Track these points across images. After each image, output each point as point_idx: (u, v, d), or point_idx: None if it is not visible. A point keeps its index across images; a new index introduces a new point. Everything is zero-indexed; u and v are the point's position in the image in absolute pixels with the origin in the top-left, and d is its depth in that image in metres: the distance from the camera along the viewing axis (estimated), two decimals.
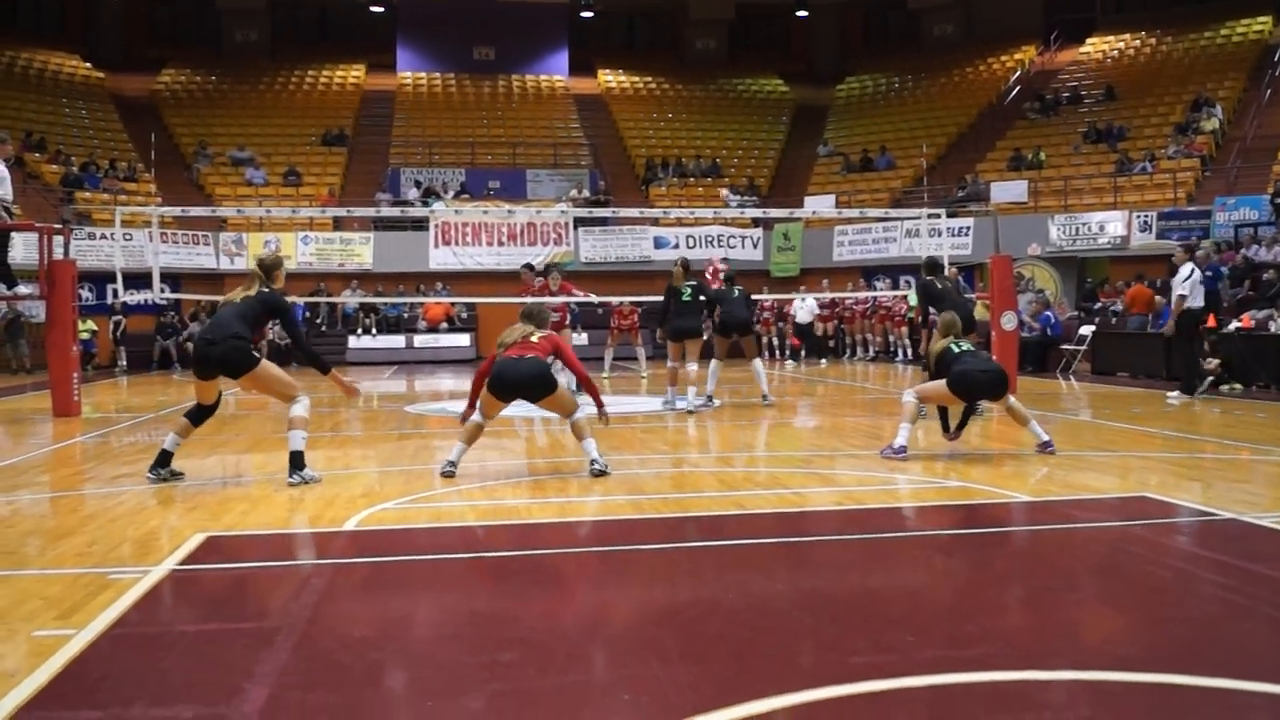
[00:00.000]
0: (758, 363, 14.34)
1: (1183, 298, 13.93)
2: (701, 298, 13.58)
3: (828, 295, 25.85)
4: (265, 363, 8.01)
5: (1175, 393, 14.19)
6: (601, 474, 8.08)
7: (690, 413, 12.91)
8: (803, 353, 26.20)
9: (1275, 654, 3.99)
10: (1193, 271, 14.09)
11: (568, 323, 15.36)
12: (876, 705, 3.50)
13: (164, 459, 8.07)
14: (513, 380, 8.15)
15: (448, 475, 8.11)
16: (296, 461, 7.84)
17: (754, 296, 21.81)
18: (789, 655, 4.03)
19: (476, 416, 8.33)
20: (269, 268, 8.17)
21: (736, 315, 14.03)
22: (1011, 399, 9.20)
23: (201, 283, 26.33)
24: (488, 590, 5.19)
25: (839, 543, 6.14)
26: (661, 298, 13.94)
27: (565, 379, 14.74)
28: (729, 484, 7.94)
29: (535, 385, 8.17)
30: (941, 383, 9.02)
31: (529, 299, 13.51)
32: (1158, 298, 19.23)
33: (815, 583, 5.20)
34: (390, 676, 3.88)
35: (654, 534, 6.30)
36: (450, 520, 6.75)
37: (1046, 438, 9.02)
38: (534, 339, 8.32)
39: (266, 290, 8.04)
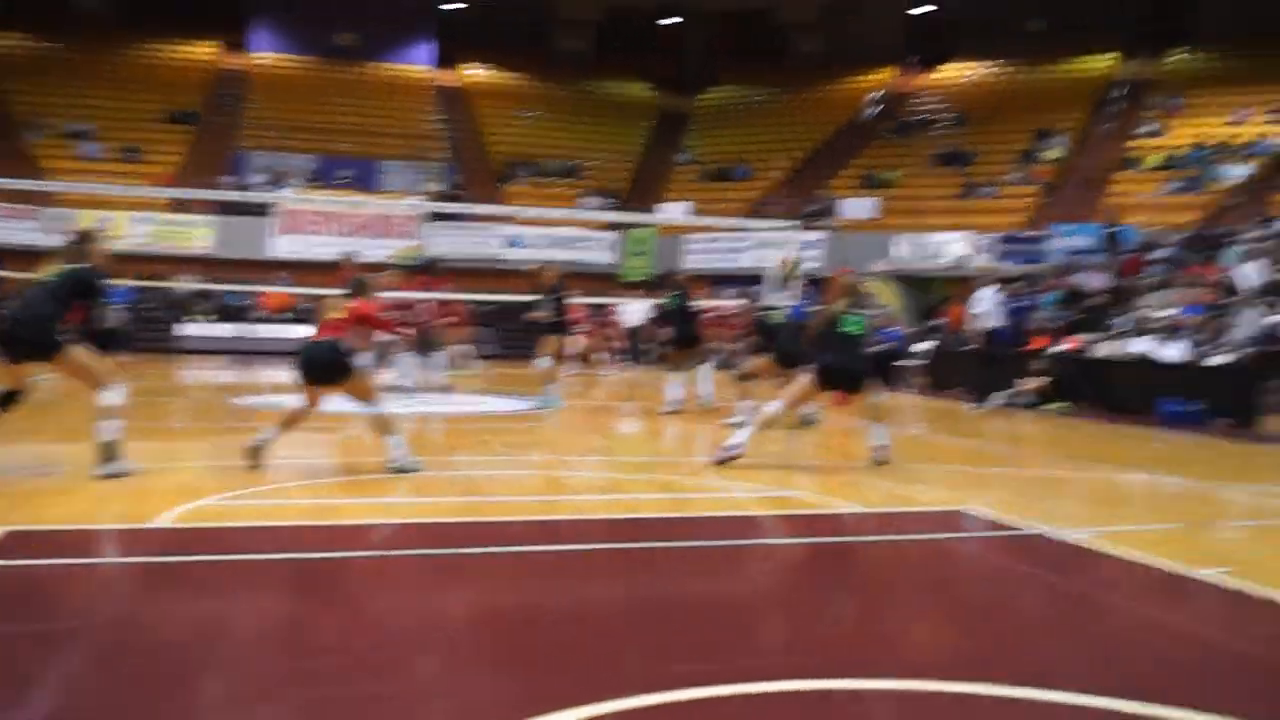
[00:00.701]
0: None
1: (975, 316, 14.81)
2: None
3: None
4: (75, 347, 7.54)
5: (979, 403, 14.94)
6: (402, 472, 7.84)
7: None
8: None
9: (1076, 665, 4.10)
10: (994, 293, 15.04)
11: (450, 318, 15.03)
12: (694, 713, 3.48)
13: None
14: (303, 364, 7.93)
15: (252, 450, 7.90)
16: (107, 452, 7.44)
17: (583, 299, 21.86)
18: (609, 662, 3.99)
19: (299, 401, 8.10)
20: (81, 242, 7.71)
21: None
22: (873, 396, 9.29)
23: (24, 260, 25.06)
24: (306, 593, 5.01)
25: (669, 549, 6.11)
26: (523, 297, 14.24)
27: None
28: (565, 488, 7.87)
29: (322, 368, 7.91)
30: (806, 380, 9.07)
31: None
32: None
33: (643, 589, 5.17)
34: (192, 683, 3.68)
35: (483, 537, 6.17)
36: (272, 519, 6.52)
37: (883, 442, 9.13)
38: (341, 315, 8.06)
39: (78, 266, 7.59)
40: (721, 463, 8.71)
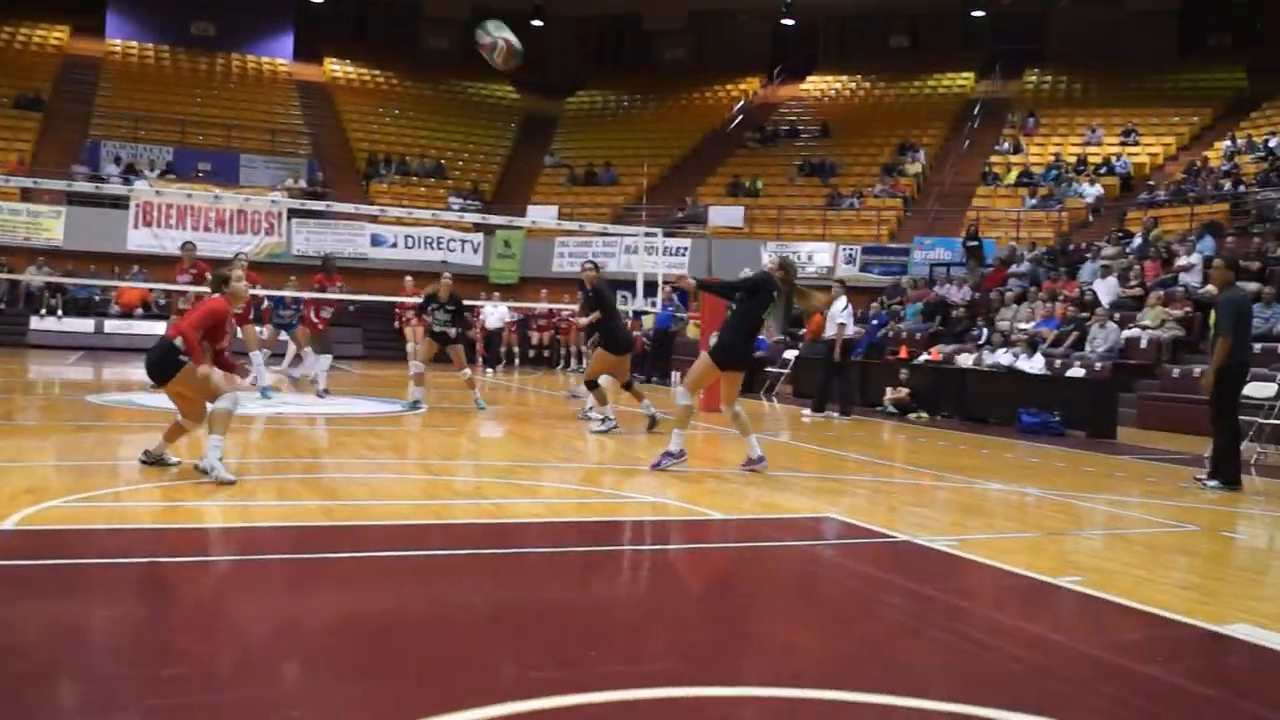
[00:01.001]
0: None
1: (843, 326, 15.33)
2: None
3: (545, 305, 25.96)
4: None
5: (807, 411, 15.73)
6: (205, 473, 7.43)
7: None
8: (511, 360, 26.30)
9: (936, 672, 4.18)
10: (847, 305, 15.67)
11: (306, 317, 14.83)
12: None
13: None
14: (146, 364, 7.79)
15: (145, 464, 7.73)
16: None
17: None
18: (470, 669, 3.93)
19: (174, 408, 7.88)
20: None
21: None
22: (737, 407, 9.35)
23: None
24: (159, 598, 4.85)
25: (534, 555, 6.07)
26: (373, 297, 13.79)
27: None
28: (429, 492, 7.76)
29: (151, 369, 7.75)
30: (703, 360, 9.18)
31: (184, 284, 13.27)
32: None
33: (507, 596, 5.12)
34: (35, 691, 3.52)
35: (342, 542, 6.04)
36: (125, 522, 6.28)
37: (759, 454, 9.15)
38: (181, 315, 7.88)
39: None
40: (665, 470, 8.72)
